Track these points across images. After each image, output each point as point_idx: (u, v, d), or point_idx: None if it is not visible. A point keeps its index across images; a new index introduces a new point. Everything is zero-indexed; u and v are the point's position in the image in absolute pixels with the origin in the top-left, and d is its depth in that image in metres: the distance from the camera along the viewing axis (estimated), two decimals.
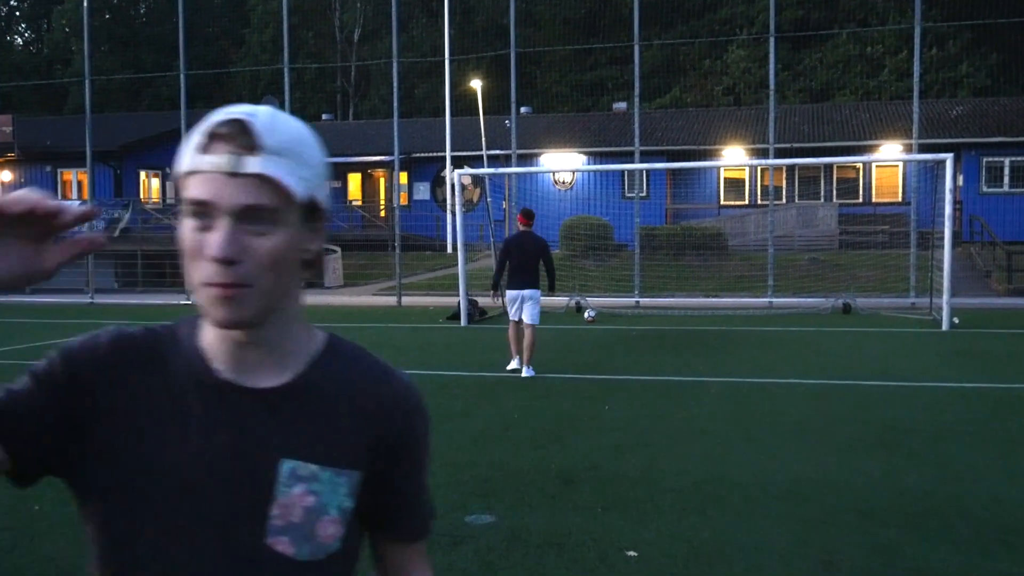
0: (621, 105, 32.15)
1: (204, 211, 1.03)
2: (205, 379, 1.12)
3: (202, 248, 1.03)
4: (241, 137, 1.03)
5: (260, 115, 1.05)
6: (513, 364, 10.02)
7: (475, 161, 25.29)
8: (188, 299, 20.92)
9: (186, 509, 1.09)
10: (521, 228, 10.30)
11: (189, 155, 1.05)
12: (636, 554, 4.40)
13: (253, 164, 1.02)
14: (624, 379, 9.67)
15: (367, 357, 1.22)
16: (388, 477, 1.18)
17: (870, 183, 28.18)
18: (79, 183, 28.46)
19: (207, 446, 1.09)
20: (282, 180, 1.03)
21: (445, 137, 26.80)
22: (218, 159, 1.02)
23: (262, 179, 1.02)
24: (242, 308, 1.04)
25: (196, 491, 1.09)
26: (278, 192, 1.03)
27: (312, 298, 20.55)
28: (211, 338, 1.13)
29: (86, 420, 1.11)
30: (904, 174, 27.06)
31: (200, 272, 1.04)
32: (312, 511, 1.11)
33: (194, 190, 1.03)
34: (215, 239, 1.02)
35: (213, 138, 1.04)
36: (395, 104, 21.05)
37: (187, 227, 1.04)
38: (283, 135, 1.05)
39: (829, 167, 27.60)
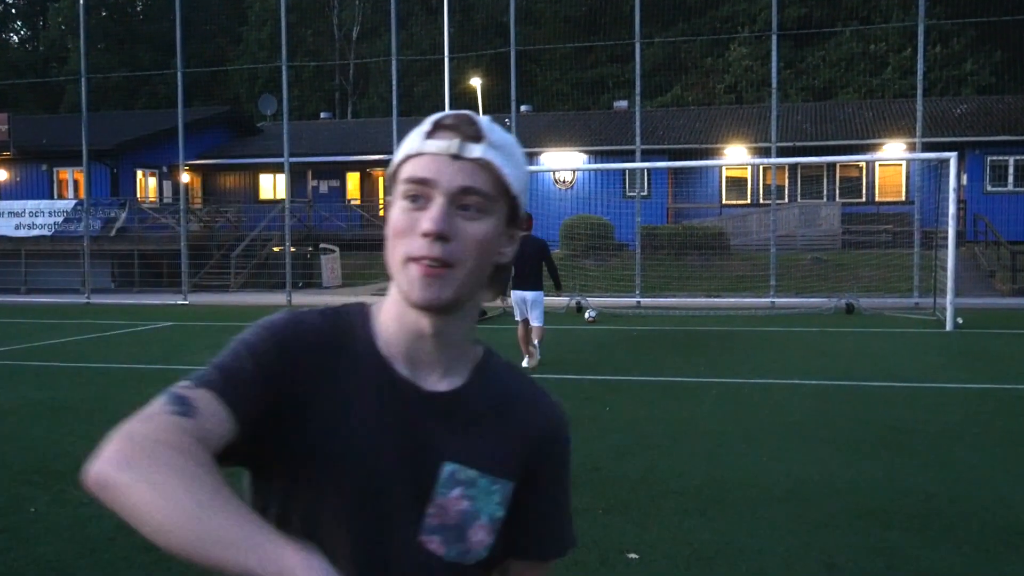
0: (622, 103, 32.14)
1: (421, 191, 1.10)
2: (383, 375, 1.16)
3: (414, 225, 1.09)
4: (467, 127, 1.11)
5: (481, 116, 1.14)
6: (524, 363, 10.21)
7: None
8: (185, 299, 20.96)
9: (353, 499, 1.13)
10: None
11: (414, 140, 1.13)
12: (637, 556, 4.40)
13: (477, 150, 1.10)
14: (625, 380, 9.68)
15: (521, 374, 1.29)
16: (534, 493, 1.22)
17: (873, 182, 28.17)
18: (75, 182, 28.44)
19: (380, 441, 1.13)
20: (501, 168, 1.11)
21: None
22: (444, 143, 1.10)
23: (482, 166, 1.10)
24: (443, 288, 1.10)
25: (365, 483, 1.13)
26: (494, 181, 1.11)
27: (310, 298, 20.56)
28: (390, 330, 1.18)
29: (285, 399, 1.12)
30: (908, 173, 27.05)
31: (408, 247, 1.10)
32: (466, 515, 1.16)
33: (416, 169, 1.10)
34: (430, 214, 1.08)
35: (439, 127, 1.12)
36: (394, 102, 21.05)
37: (399, 208, 1.11)
38: (502, 135, 1.14)
39: (832, 166, 27.58)
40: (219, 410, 1.04)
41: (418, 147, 1.11)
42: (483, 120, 1.14)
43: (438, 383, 1.18)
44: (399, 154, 1.14)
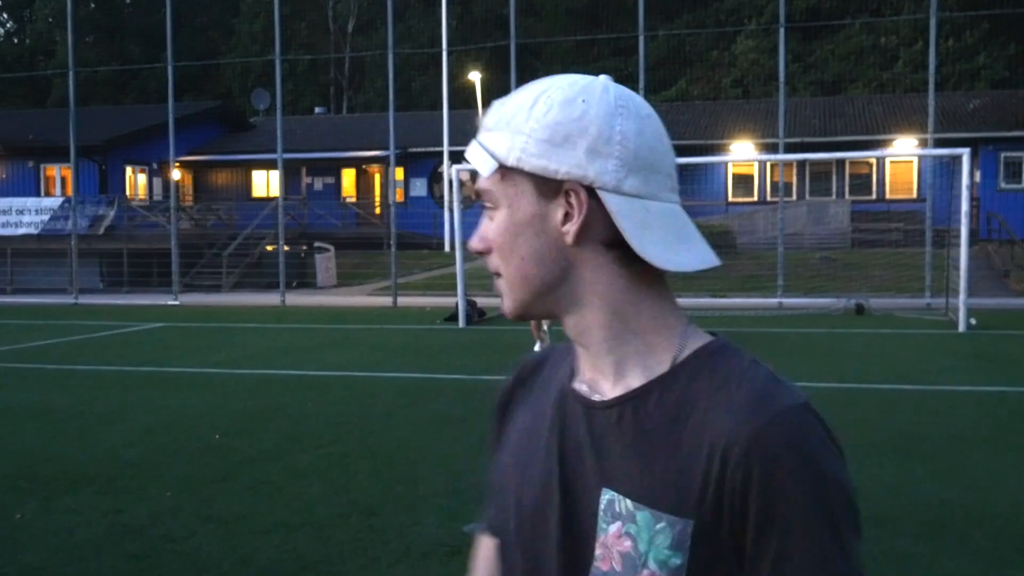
0: None
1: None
2: (560, 389, 1.08)
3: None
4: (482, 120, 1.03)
5: (513, 93, 1.01)
6: (536, 348, 10.18)
7: None
8: (176, 299, 20.95)
9: (528, 536, 1.03)
10: None
11: None
12: None
13: (471, 144, 1.01)
14: None
15: (744, 377, 0.95)
16: (741, 542, 0.91)
17: (884, 179, 28.17)
18: (62, 179, 28.41)
19: (546, 464, 1.03)
20: (487, 146, 0.99)
21: (443, 131, 26.79)
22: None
23: (478, 157, 1.00)
24: (505, 298, 1.03)
25: (534, 516, 1.02)
26: (489, 165, 1.00)
27: (304, 299, 20.56)
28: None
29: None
30: (919, 170, 27.05)
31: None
32: (629, 559, 0.94)
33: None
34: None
35: None
36: (391, 97, 21.04)
37: None
38: (510, 106, 0.99)
39: (841, 162, 27.58)
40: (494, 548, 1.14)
41: None
42: (500, 101, 1.02)
43: (609, 391, 1.00)
44: None
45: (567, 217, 0.96)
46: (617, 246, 0.96)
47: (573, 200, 0.96)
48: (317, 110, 40.31)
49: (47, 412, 8.34)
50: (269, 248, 24.23)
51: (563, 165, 0.95)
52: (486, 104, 20.07)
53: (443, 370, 10.56)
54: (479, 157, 0.99)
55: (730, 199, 28.86)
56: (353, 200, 31.35)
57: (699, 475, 0.91)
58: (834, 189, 28.42)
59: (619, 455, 0.97)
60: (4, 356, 12.27)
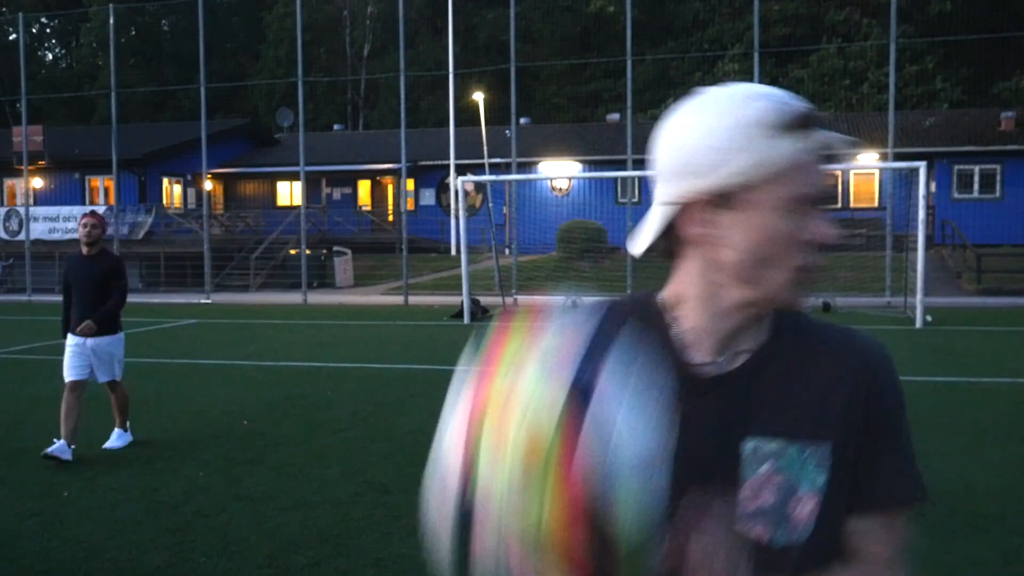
0: (615, 116, 32.11)
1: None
2: (673, 362, 1.03)
3: (801, 234, 0.99)
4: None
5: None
6: (58, 446, 5.89)
7: (477, 169, 25.27)
8: (208, 298, 20.92)
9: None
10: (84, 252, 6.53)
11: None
12: None
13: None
14: None
15: (822, 323, 1.10)
16: (863, 444, 1.04)
17: (848, 189, 28.14)
18: (105, 189, 28.43)
19: (674, 432, 1.00)
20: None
21: (449, 146, 26.79)
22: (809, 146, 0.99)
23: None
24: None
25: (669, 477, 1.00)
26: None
27: (324, 297, 20.54)
28: (691, 320, 1.04)
29: None
30: (880, 181, 27.04)
31: (795, 257, 0.99)
32: (783, 489, 1.00)
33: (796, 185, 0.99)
34: (823, 225, 1.00)
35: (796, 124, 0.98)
36: (402, 115, 21.03)
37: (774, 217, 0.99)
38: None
39: None
40: None
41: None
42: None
43: (730, 362, 1.04)
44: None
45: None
46: None
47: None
48: (336, 127, 40.26)
49: (91, 400, 8.30)
50: (292, 252, 24.21)
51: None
52: (489, 121, 20.04)
53: (450, 362, 10.49)
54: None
55: None
56: (368, 208, 31.32)
57: (833, 405, 1.02)
58: None
59: (754, 407, 1.02)
60: (53, 350, 12.25)
